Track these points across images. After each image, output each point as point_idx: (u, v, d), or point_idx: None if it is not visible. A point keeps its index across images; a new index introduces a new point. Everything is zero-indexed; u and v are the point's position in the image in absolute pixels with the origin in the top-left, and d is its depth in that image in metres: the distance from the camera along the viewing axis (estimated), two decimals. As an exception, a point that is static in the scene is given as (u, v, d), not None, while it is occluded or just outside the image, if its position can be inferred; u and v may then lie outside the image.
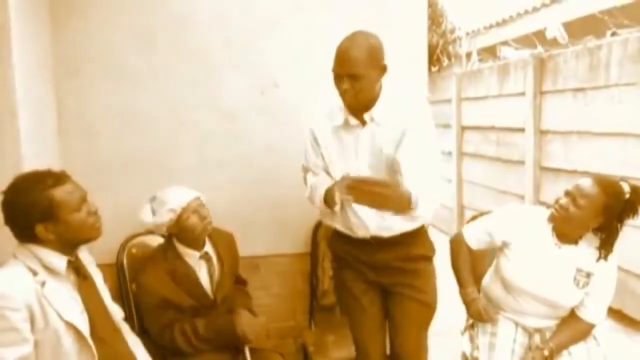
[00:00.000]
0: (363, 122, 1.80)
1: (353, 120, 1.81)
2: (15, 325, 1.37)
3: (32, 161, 1.85)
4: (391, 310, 1.97)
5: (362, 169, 1.81)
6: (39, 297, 1.42)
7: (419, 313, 1.94)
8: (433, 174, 1.80)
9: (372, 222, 1.83)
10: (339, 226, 1.93)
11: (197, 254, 2.04)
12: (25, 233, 1.47)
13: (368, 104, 1.78)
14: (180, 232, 1.99)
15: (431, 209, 1.78)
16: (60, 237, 1.49)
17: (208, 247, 2.09)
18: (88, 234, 1.55)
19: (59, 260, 1.49)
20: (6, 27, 1.80)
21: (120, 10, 2.26)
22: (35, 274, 1.45)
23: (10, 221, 1.47)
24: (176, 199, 1.97)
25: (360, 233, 1.87)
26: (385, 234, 1.84)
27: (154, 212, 1.97)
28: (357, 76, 1.68)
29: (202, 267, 2.05)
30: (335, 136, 1.85)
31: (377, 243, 1.86)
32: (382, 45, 1.75)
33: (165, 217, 1.94)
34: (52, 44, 2.21)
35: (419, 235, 1.91)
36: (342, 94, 1.75)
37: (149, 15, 2.29)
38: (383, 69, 1.75)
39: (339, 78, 1.72)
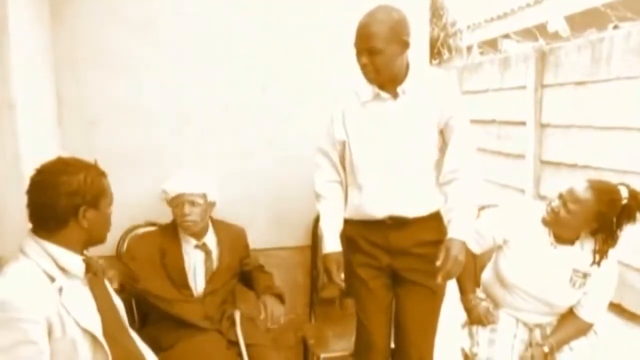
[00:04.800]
0: (395, 96, 1.80)
1: (384, 94, 1.80)
2: (33, 339, 1.29)
3: (31, 153, 1.84)
4: (399, 295, 1.95)
5: (391, 143, 1.81)
6: (57, 305, 1.34)
7: (427, 299, 1.91)
8: (473, 151, 1.88)
9: (394, 201, 1.83)
10: (353, 215, 1.92)
11: (192, 242, 2.05)
12: (59, 218, 1.39)
13: (391, 79, 1.77)
14: None
15: (475, 183, 1.85)
16: (91, 228, 1.44)
17: (210, 240, 2.09)
18: (106, 234, 1.54)
19: (75, 261, 1.43)
20: (4, 17, 1.78)
21: (119, 0, 2.24)
22: (52, 279, 1.36)
23: (49, 201, 1.38)
24: (172, 184, 2.02)
25: (376, 212, 1.85)
26: (405, 214, 1.84)
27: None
28: (375, 51, 1.68)
29: (198, 258, 2.06)
30: (364, 110, 1.84)
31: (393, 225, 1.85)
32: (405, 20, 1.73)
33: (162, 195, 2.05)
34: (51, 34, 2.19)
35: (434, 219, 1.90)
36: (362, 68, 1.75)
37: (149, 7, 2.27)
38: (405, 44, 1.73)
39: (358, 53, 1.73)
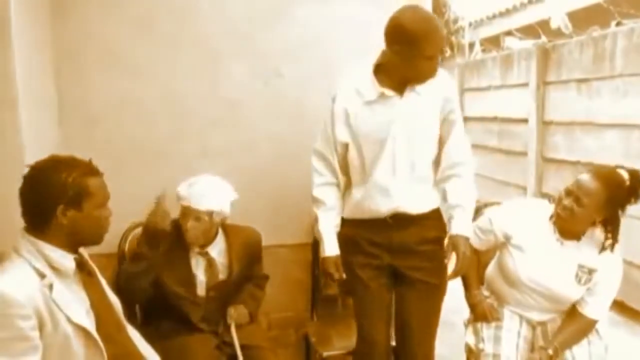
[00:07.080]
0: (401, 93, 1.80)
1: (389, 92, 1.79)
2: (26, 334, 1.30)
3: (33, 150, 1.84)
4: (402, 294, 1.95)
5: (398, 140, 1.81)
6: (47, 301, 1.35)
7: (429, 296, 1.92)
8: (469, 146, 1.91)
9: (400, 197, 1.83)
10: (353, 214, 1.92)
11: (196, 248, 2.04)
12: (42, 216, 1.40)
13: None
14: None
15: (472, 179, 1.90)
16: (73, 228, 1.42)
17: (217, 249, 2.06)
18: (96, 235, 1.51)
19: (67, 260, 1.43)
20: (6, 16, 1.78)
21: (120, -2, 2.24)
22: (42, 276, 1.36)
23: (33, 198, 1.40)
24: (184, 191, 1.95)
25: (380, 209, 1.85)
26: (409, 210, 1.84)
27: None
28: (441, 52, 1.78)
29: (199, 264, 2.04)
30: (368, 109, 1.83)
31: (395, 223, 1.85)
32: None
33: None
34: (52, 32, 2.18)
35: (435, 216, 1.91)
36: (429, 71, 1.75)
37: (150, 4, 2.26)
38: None
39: (432, 57, 1.72)
